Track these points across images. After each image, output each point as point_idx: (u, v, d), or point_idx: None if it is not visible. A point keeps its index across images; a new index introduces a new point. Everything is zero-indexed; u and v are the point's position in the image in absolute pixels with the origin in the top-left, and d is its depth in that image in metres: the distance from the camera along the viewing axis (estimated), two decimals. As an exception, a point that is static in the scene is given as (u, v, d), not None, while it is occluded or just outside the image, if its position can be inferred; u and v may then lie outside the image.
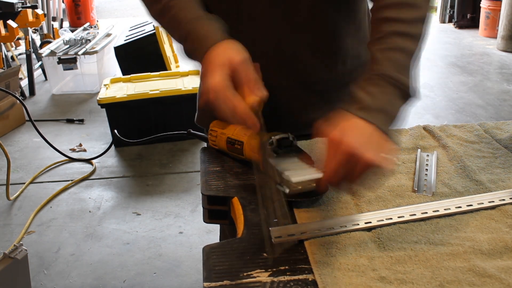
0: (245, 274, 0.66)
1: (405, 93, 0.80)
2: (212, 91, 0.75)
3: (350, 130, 0.73)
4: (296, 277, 0.65)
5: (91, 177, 2.98)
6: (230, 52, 0.79)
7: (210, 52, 0.80)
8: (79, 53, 4.29)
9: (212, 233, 2.37)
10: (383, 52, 0.80)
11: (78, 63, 4.30)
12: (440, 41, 6.20)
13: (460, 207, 0.79)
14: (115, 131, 1.19)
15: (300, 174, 0.78)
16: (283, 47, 1.01)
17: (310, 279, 0.65)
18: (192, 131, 1.10)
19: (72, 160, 3.16)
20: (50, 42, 4.80)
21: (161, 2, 0.89)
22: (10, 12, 4.07)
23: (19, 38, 5.39)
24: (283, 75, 1.02)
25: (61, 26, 6.16)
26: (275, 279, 0.65)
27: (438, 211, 0.78)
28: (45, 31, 5.47)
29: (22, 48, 5.56)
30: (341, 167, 0.72)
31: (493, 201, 0.81)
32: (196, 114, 1.17)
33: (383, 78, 0.78)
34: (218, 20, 0.86)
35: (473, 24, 6.59)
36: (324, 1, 0.98)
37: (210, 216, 0.91)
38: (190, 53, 0.86)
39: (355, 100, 0.77)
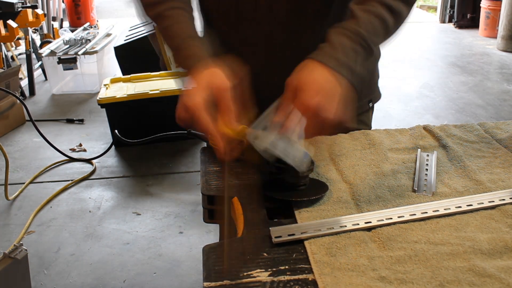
0: (245, 273, 0.66)
1: (376, 55, 0.88)
2: (189, 110, 0.77)
3: (315, 83, 0.77)
4: (296, 277, 0.65)
5: (91, 177, 2.97)
6: (214, 78, 0.80)
7: (196, 72, 0.81)
8: (79, 53, 4.29)
9: (212, 233, 2.37)
10: (364, 13, 0.84)
11: (78, 63, 4.30)
12: (440, 41, 6.21)
13: (460, 207, 0.79)
14: (116, 131, 1.19)
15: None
16: (284, 48, 1.01)
17: (310, 279, 0.65)
18: (192, 131, 1.10)
19: (72, 160, 3.16)
20: (50, 42, 4.80)
21: (158, 7, 0.90)
22: (10, 12, 4.07)
23: (19, 38, 5.39)
24: (285, 75, 1.02)
25: (61, 26, 6.16)
26: (275, 279, 0.65)
27: (438, 211, 0.78)
28: (45, 31, 5.47)
29: (22, 48, 5.56)
30: (301, 121, 0.76)
31: (493, 201, 0.81)
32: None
33: (359, 36, 0.83)
34: (211, 44, 0.89)
35: (473, 24, 6.59)
36: (327, 4, 0.98)
37: (210, 216, 0.91)
38: (179, 64, 0.87)
39: (329, 46, 0.81)
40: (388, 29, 0.88)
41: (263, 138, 0.78)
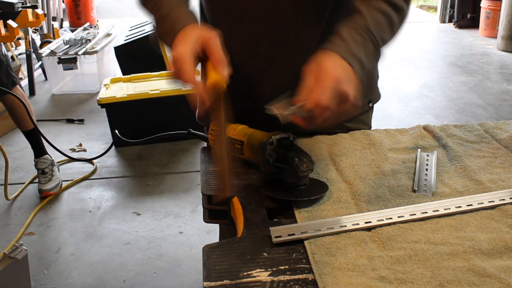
0: (245, 273, 0.66)
1: (378, 55, 0.88)
2: (173, 63, 0.79)
3: (332, 64, 0.79)
4: (296, 277, 0.65)
5: (91, 177, 2.97)
6: (199, 30, 0.82)
7: (182, 30, 0.83)
8: (79, 53, 4.29)
9: (212, 233, 2.37)
10: (368, 9, 0.86)
11: (78, 63, 4.30)
12: (440, 41, 6.21)
13: (460, 206, 0.79)
14: (116, 131, 1.19)
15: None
16: (286, 48, 1.01)
17: (310, 279, 0.65)
18: (192, 131, 1.10)
19: (72, 160, 3.16)
20: (50, 42, 4.80)
21: None
22: (10, 12, 4.06)
23: (19, 38, 5.39)
24: (285, 75, 1.02)
25: (61, 26, 6.16)
26: (275, 279, 0.65)
27: (438, 210, 0.78)
28: (45, 31, 5.47)
29: (22, 48, 5.56)
30: (326, 92, 0.76)
31: (493, 201, 0.81)
32: (197, 111, 1.17)
33: (367, 33, 0.85)
34: (194, 14, 0.91)
35: (473, 24, 6.59)
36: (327, 4, 0.98)
37: (210, 216, 0.91)
38: (164, 34, 0.89)
39: (341, 40, 0.83)
40: (393, 24, 0.89)
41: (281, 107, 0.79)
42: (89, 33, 4.96)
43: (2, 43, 3.42)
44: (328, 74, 0.77)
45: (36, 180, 2.82)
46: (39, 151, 2.77)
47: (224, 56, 0.80)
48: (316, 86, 0.77)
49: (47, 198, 2.71)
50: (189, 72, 0.78)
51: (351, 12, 0.88)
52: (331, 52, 0.82)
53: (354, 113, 0.81)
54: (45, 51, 4.39)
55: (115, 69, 4.74)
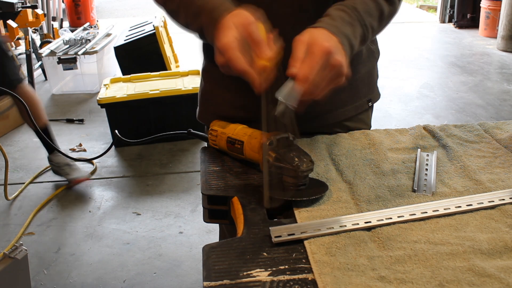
0: (245, 273, 0.66)
1: (366, 39, 0.90)
2: (220, 54, 0.79)
3: (323, 36, 0.80)
4: (296, 277, 0.65)
5: (91, 177, 2.97)
6: (238, 17, 0.81)
7: (222, 18, 0.83)
8: (79, 53, 4.29)
9: (212, 233, 2.37)
10: None
11: (78, 63, 4.30)
12: (440, 41, 6.21)
13: (460, 206, 0.79)
14: (116, 131, 1.19)
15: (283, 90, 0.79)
16: (286, 47, 1.01)
17: (310, 279, 0.65)
18: (192, 131, 1.10)
19: (72, 160, 3.16)
20: (50, 42, 4.80)
21: None
22: (10, 12, 4.07)
23: (19, 38, 5.39)
24: (285, 73, 1.02)
25: (61, 26, 6.16)
26: (275, 279, 0.65)
27: (437, 210, 0.78)
28: (45, 31, 5.47)
29: (22, 48, 5.56)
30: (317, 65, 0.76)
31: (493, 201, 0.81)
32: (198, 110, 1.17)
33: (355, 13, 0.87)
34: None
35: (473, 24, 6.59)
36: (327, 3, 0.98)
37: (210, 216, 0.91)
38: (205, 27, 0.88)
39: (329, 18, 0.85)
40: (383, 14, 0.92)
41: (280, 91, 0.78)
42: (89, 33, 4.96)
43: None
44: (320, 45, 0.77)
45: (36, 180, 2.82)
46: (53, 146, 2.79)
47: (267, 38, 0.80)
48: (307, 57, 0.77)
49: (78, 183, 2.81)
50: (239, 59, 0.78)
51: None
52: (320, 28, 0.82)
53: (344, 84, 0.81)
54: (45, 51, 4.39)
55: (115, 69, 4.74)
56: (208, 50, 1.09)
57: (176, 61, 4.51)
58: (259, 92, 0.79)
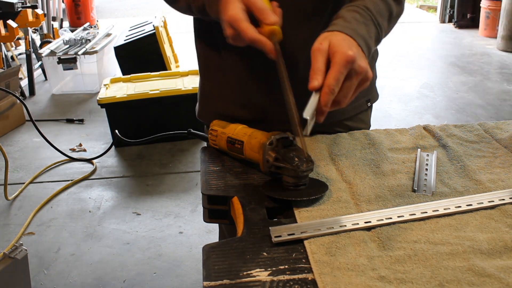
0: (244, 273, 0.66)
1: (379, 39, 0.89)
2: (228, 27, 0.80)
3: (343, 42, 0.78)
4: (295, 277, 0.65)
5: (91, 177, 2.98)
6: None
7: None
8: (79, 53, 4.29)
9: (212, 233, 2.37)
10: None
11: (78, 63, 4.30)
12: (440, 41, 6.21)
13: (459, 206, 0.79)
14: (116, 131, 1.19)
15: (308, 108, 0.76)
16: (283, 43, 1.01)
17: (309, 279, 0.65)
18: (192, 131, 1.10)
19: (72, 160, 3.16)
20: (50, 42, 4.80)
21: None
22: (10, 12, 4.07)
23: (19, 38, 5.39)
24: (300, 70, 1.02)
25: (61, 26, 6.16)
26: (275, 278, 0.65)
27: (437, 210, 0.78)
28: (45, 31, 5.47)
29: (22, 48, 5.56)
30: (342, 76, 0.75)
31: (492, 201, 0.81)
32: (197, 108, 1.17)
33: (369, 13, 0.86)
34: None
35: (473, 24, 6.59)
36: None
37: (210, 216, 0.91)
38: (206, 4, 0.89)
39: (344, 20, 0.84)
40: (392, 14, 0.91)
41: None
42: (89, 33, 4.97)
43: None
44: (342, 53, 0.76)
45: (36, 180, 2.82)
46: None
47: (267, 5, 0.81)
48: (331, 68, 0.76)
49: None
50: (248, 29, 0.78)
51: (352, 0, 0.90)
52: (336, 31, 0.81)
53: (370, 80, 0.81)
54: (45, 51, 4.39)
55: (115, 69, 4.74)
56: (206, 34, 1.08)
57: (176, 61, 4.51)
58: (273, 56, 0.79)
